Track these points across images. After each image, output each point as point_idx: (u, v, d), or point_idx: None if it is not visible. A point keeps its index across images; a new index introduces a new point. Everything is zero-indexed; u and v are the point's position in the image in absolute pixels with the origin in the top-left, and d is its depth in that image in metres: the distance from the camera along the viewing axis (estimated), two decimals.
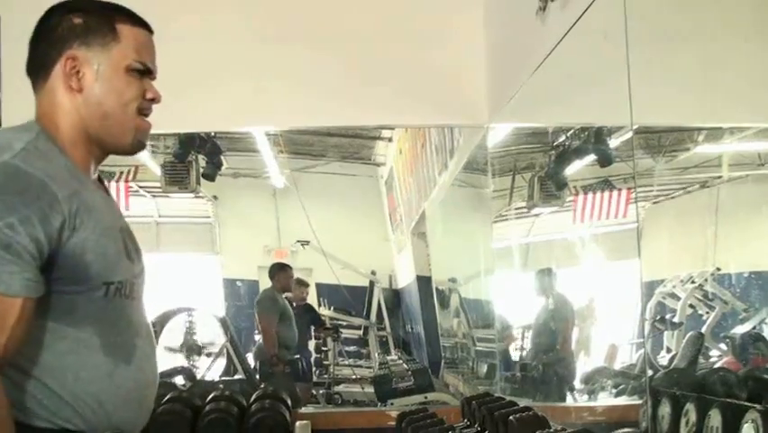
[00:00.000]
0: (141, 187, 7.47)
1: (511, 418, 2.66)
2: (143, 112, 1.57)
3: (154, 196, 7.53)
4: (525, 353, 6.84)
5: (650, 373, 5.99)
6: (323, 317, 7.66)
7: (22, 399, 1.39)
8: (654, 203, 7.14)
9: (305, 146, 8.10)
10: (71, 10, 1.53)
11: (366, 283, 8.23)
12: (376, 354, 7.71)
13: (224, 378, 6.81)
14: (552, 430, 2.51)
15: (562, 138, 5.83)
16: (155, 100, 1.58)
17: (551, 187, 6.25)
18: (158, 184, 6.62)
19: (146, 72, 1.57)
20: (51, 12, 1.54)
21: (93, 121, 1.51)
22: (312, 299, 7.82)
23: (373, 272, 8.21)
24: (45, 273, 1.37)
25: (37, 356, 1.40)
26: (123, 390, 1.48)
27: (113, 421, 1.47)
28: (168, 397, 3.72)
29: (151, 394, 1.57)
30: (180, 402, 3.66)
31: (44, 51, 1.52)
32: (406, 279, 8.20)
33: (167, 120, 3.66)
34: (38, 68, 1.53)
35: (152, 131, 4.71)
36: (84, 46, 1.50)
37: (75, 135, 1.51)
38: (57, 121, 1.50)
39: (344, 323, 7.95)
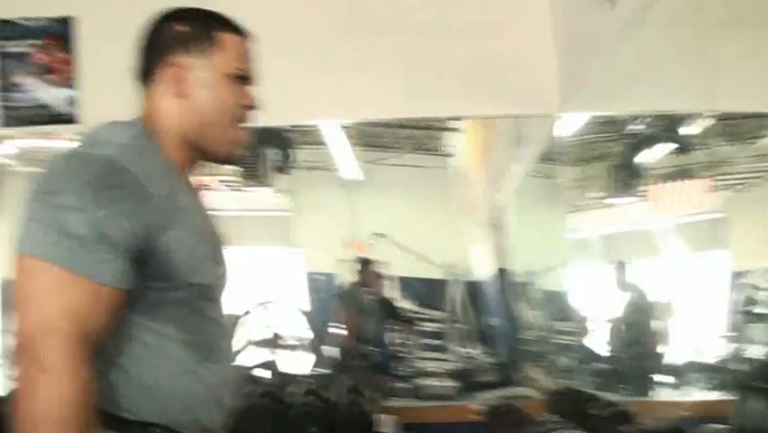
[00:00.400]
0: (220, 181, 7.60)
1: (598, 412, 2.63)
2: (242, 119, 1.60)
3: (232, 189, 7.65)
4: (607, 346, 6.75)
5: (739, 366, 5.85)
6: (399, 310, 7.64)
7: (109, 390, 1.43)
8: (736, 191, 6.94)
9: (377, 138, 8.16)
10: (173, 19, 1.59)
11: (443, 276, 8.19)
12: (455, 348, 7.68)
13: (308, 371, 6.90)
14: (639, 425, 2.46)
15: (637, 126, 5.74)
16: (254, 107, 1.61)
17: (626, 176, 6.16)
18: (236, 178, 6.73)
19: (245, 79, 1.60)
20: (155, 21, 1.60)
21: (193, 126, 1.56)
22: (389, 291, 7.81)
23: (450, 265, 8.17)
24: (134, 268, 1.40)
25: (124, 348, 1.44)
26: (206, 387, 1.51)
27: (196, 417, 1.50)
28: (255, 391, 3.78)
29: (231, 393, 1.60)
30: (267, 396, 3.73)
31: (148, 59, 1.58)
32: (483, 271, 8.15)
33: None
34: (143, 74, 1.59)
35: None
36: (186, 54, 1.55)
37: (174, 138, 1.55)
38: (158, 122, 1.55)
39: (422, 316, 7.93)
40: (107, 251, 1.34)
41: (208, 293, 1.54)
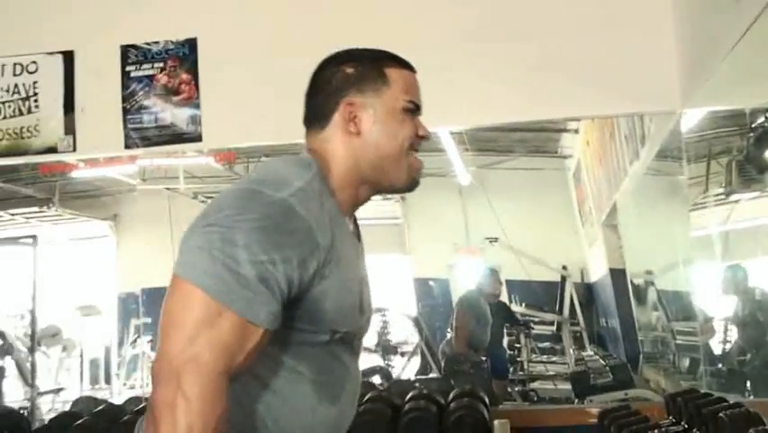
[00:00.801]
0: None
1: (722, 414, 2.55)
2: (414, 148, 1.66)
3: None
4: (729, 346, 6.56)
5: None
6: (515, 314, 7.60)
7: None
8: None
9: (489, 142, 8.14)
10: (343, 62, 1.65)
11: (557, 278, 8.14)
12: (570, 350, 7.62)
13: (419, 376, 6.92)
14: (767, 428, 2.38)
15: (761, 119, 5.54)
16: (425, 137, 1.68)
17: (750, 171, 5.96)
18: None
19: (416, 110, 1.66)
20: (325, 65, 1.67)
21: (370, 162, 1.61)
22: (502, 295, 7.79)
23: (564, 267, 8.15)
24: (285, 310, 1.45)
25: (256, 377, 1.50)
26: (321, 427, 1.56)
27: None
28: (368, 396, 3.82)
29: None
30: (381, 401, 3.76)
31: (322, 102, 1.64)
32: (598, 272, 8.06)
33: None
34: (315, 118, 1.65)
35: None
36: (359, 93, 1.61)
37: (346, 178, 1.61)
38: (330, 163, 1.60)
39: (536, 319, 7.88)
40: (266, 294, 1.37)
41: (347, 339, 1.58)
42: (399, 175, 1.64)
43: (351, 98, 1.61)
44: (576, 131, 7.87)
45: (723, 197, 6.55)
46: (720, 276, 6.69)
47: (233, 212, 1.41)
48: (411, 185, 1.68)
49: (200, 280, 1.35)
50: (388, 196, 7.54)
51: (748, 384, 6.41)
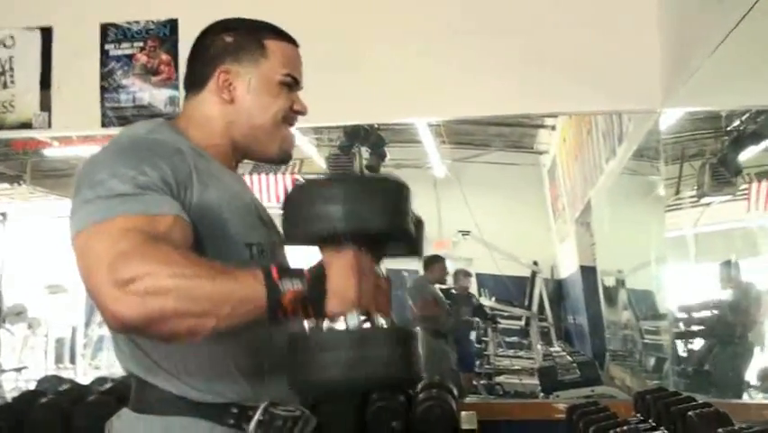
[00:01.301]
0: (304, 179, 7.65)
1: (690, 414, 2.57)
2: (289, 122, 1.67)
3: None
4: (697, 346, 6.62)
5: None
6: (482, 307, 7.62)
7: (179, 374, 1.45)
8: None
9: (466, 136, 8.13)
10: (223, 30, 1.67)
11: (527, 274, 8.15)
12: (538, 346, 7.64)
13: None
14: (736, 428, 2.39)
15: (736, 123, 5.59)
16: (301, 112, 1.68)
17: (723, 174, 6.02)
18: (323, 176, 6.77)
19: (294, 85, 1.66)
20: (205, 33, 1.69)
21: (242, 129, 1.62)
22: (473, 289, 7.79)
23: (535, 262, 8.18)
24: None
25: None
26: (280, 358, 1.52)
27: (265, 390, 1.50)
28: None
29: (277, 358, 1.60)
30: None
31: (199, 69, 1.65)
32: (568, 269, 8.10)
33: (331, 113, 3.84)
34: (192, 83, 1.66)
35: (317, 123, 4.86)
36: (235, 62, 1.62)
37: (212, 136, 1.61)
38: (194, 121, 1.62)
39: (505, 313, 7.89)
40: (155, 195, 1.34)
41: (269, 255, 1.54)
42: (271, 146, 1.65)
43: (227, 66, 1.61)
44: (553, 127, 7.89)
45: (695, 199, 6.61)
46: (715, 272, 6.75)
47: (89, 165, 1.41)
48: (281, 157, 1.68)
49: (89, 220, 1.31)
50: None
51: (715, 384, 6.48)
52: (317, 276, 1.27)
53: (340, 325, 1.28)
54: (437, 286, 7.03)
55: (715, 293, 6.73)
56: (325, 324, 1.28)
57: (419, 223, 1.58)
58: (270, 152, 1.66)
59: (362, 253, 1.30)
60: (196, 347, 1.39)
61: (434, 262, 7.12)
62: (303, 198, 1.31)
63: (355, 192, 1.29)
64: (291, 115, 1.66)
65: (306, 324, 1.29)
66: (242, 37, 1.63)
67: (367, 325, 1.30)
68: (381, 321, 1.36)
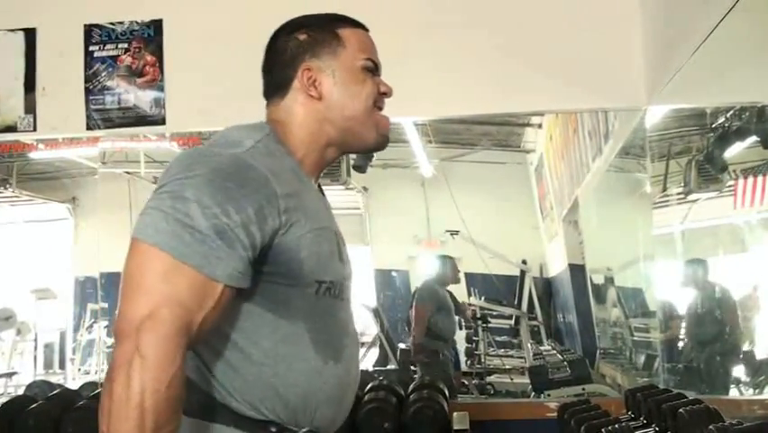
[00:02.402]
0: None
1: (681, 410, 2.56)
2: (378, 105, 1.68)
3: None
4: (685, 343, 6.63)
5: None
6: (473, 307, 7.62)
7: (228, 384, 1.47)
8: None
9: (453, 135, 8.13)
10: (294, 29, 1.67)
11: (516, 272, 8.15)
12: (528, 345, 7.65)
13: (378, 367, 6.90)
14: (726, 424, 2.39)
15: (722, 119, 5.61)
16: (387, 94, 1.69)
17: (709, 171, 6.04)
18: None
19: (375, 69, 1.69)
20: (276, 37, 1.68)
21: (336, 124, 1.62)
22: (462, 288, 7.79)
23: (524, 261, 8.18)
24: (258, 266, 1.44)
25: (254, 345, 1.47)
26: (329, 387, 1.55)
27: (314, 418, 1.52)
28: None
29: (352, 394, 1.63)
30: None
31: (279, 72, 1.65)
32: (557, 267, 8.10)
33: None
34: (274, 89, 1.66)
35: None
36: (315, 58, 1.63)
37: (309, 140, 1.61)
38: (290, 127, 1.61)
39: (495, 313, 7.89)
40: (223, 247, 1.36)
41: (336, 291, 1.56)
42: (368, 134, 1.66)
43: (308, 64, 1.62)
44: (539, 126, 7.90)
45: (682, 196, 6.64)
46: (681, 271, 6.76)
47: (182, 172, 1.40)
48: (381, 143, 1.70)
49: (154, 239, 1.34)
50: (350, 186, 7.53)
51: (704, 380, 6.49)
52: None
53: None
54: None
55: (700, 289, 6.74)
56: None
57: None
58: (369, 140, 1.67)
59: None
60: (248, 363, 1.46)
61: (446, 263, 7.10)
62: None
63: None
64: (379, 98, 1.67)
65: None
66: (316, 32, 1.64)
67: None
68: None
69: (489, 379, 7.32)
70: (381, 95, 1.67)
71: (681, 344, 6.94)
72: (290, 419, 1.48)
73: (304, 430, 1.49)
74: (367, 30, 1.71)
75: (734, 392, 6.30)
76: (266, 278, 1.45)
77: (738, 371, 6.57)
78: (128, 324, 1.29)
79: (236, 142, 1.49)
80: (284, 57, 1.63)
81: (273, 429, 1.46)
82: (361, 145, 1.69)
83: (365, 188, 8.47)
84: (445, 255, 7.21)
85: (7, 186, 7.78)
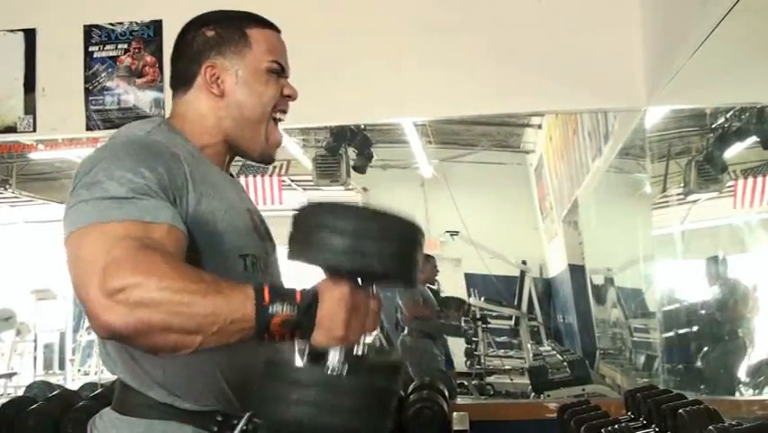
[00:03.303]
0: (293, 180, 7.64)
1: (681, 411, 2.56)
2: (282, 108, 1.65)
3: (305, 189, 7.68)
4: (688, 342, 6.63)
5: None
6: (472, 307, 7.63)
7: (167, 383, 1.45)
8: None
9: (452, 135, 8.14)
10: (203, 24, 1.64)
11: (516, 273, 8.16)
12: (528, 345, 7.65)
13: None
14: (726, 425, 2.40)
15: (721, 120, 5.61)
16: (291, 97, 1.67)
17: (709, 171, 6.04)
18: (309, 177, 6.78)
19: (281, 71, 1.65)
20: (186, 30, 1.66)
21: (233, 121, 1.60)
22: (462, 289, 7.79)
23: (524, 262, 8.19)
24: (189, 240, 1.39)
25: None
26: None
27: (235, 400, 1.50)
28: None
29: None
30: None
31: (185, 67, 1.63)
32: (557, 268, 8.10)
33: (317, 113, 3.82)
34: (179, 82, 1.64)
35: (303, 125, 4.83)
36: (220, 55, 1.60)
37: (207, 134, 1.60)
38: (187, 120, 1.60)
39: (494, 313, 7.90)
40: (154, 200, 1.32)
41: (262, 266, 1.54)
42: (256, 143, 1.63)
43: (212, 61, 1.60)
44: (539, 126, 7.90)
45: (682, 196, 6.64)
46: (702, 269, 6.77)
47: (86, 165, 1.38)
48: (264, 157, 1.66)
49: (82, 221, 1.29)
50: (349, 186, 7.53)
51: (705, 381, 6.50)
52: (309, 303, 1.23)
53: (322, 360, 1.23)
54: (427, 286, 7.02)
55: (703, 290, 6.74)
56: (304, 358, 1.25)
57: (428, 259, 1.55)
58: (255, 147, 1.64)
59: (360, 288, 1.25)
60: (186, 358, 1.39)
61: (424, 262, 7.11)
62: (312, 222, 1.24)
63: (367, 229, 1.22)
64: (282, 100, 1.64)
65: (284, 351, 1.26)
66: (224, 29, 1.62)
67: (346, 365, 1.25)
68: (364, 343, 1.31)
69: (488, 379, 7.32)
70: (285, 97, 1.65)
71: (683, 344, 6.95)
72: (234, 405, 1.47)
73: (249, 414, 1.44)
74: (278, 31, 1.68)
75: (736, 393, 6.31)
76: (192, 257, 1.37)
77: (740, 371, 6.58)
78: (98, 296, 1.18)
79: (128, 132, 1.51)
80: (189, 51, 1.62)
81: (218, 418, 1.44)
82: (247, 150, 1.64)
83: (365, 189, 8.47)
84: (426, 254, 7.23)
85: (7, 186, 7.78)
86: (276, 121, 1.65)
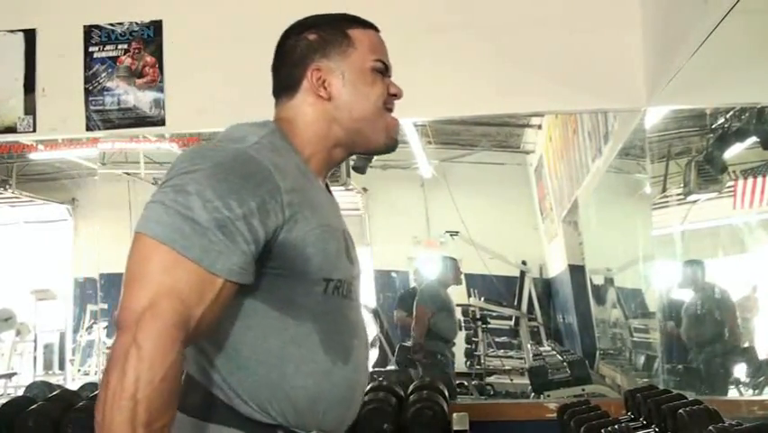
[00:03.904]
0: None
1: (681, 411, 2.56)
2: (387, 107, 1.66)
3: None
4: (686, 343, 6.64)
5: None
6: (472, 307, 7.63)
7: (237, 385, 1.45)
8: None
9: (452, 136, 8.15)
10: (304, 29, 1.65)
11: (516, 273, 8.16)
12: (528, 345, 7.65)
13: (378, 368, 6.90)
14: (726, 425, 2.39)
15: (721, 120, 5.61)
16: (397, 96, 1.68)
17: (709, 172, 6.04)
18: None
19: (385, 70, 1.67)
20: (286, 36, 1.67)
21: (344, 125, 1.61)
22: (462, 289, 7.80)
23: (524, 262, 8.19)
24: (264, 262, 1.42)
25: (261, 344, 1.45)
26: (337, 389, 1.52)
27: (322, 421, 1.51)
28: None
29: (361, 396, 1.61)
30: None
31: (289, 72, 1.64)
32: (557, 268, 8.10)
33: None
34: (283, 88, 1.65)
35: None
36: (324, 58, 1.61)
37: (316, 141, 1.60)
38: (297, 126, 1.60)
39: (494, 313, 7.90)
40: (225, 241, 1.34)
41: (344, 290, 1.54)
42: (377, 136, 1.64)
43: (317, 64, 1.61)
44: (539, 126, 7.91)
45: (681, 197, 6.65)
46: (680, 272, 6.77)
47: (185, 167, 1.39)
48: (390, 145, 1.68)
49: (155, 231, 1.33)
50: (349, 187, 7.53)
51: (704, 381, 6.49)
52: None
53: None
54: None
55: (699, 290, 6.74)
56: None
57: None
58: (377, 142, 1.66)
59: None
60: (255, 363, 1.44)
61: (448, 264, 7.10)
62: None
63: None
64: (389, 99, 1.65)
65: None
66: (326, 32, 1.63)
67: None
68: None
69: (488, 379, 7.32)
70: (391, 96, 1.66)
71: (682, 344, 6.95)
72: (298, 422, 1.46)
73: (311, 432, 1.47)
74: (378, 30, 1.70)
75: (733, 393, 6.30)
76: (271, 274, 1.43)
77: (738, 371, 6.57)
78: (129, 315, 1.28)
79: (240, 138, 1.48)
80: (293, 57, 1.62)
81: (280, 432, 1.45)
82: (370, 147, 1.67)
83: (365, 189, 8.48)
84: (448, 256, 7.22)
85: (7, 187, 7.77)
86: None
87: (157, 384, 1.25)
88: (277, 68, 1.67)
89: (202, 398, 1.45)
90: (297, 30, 1.65)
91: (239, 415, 1.44)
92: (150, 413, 1.24)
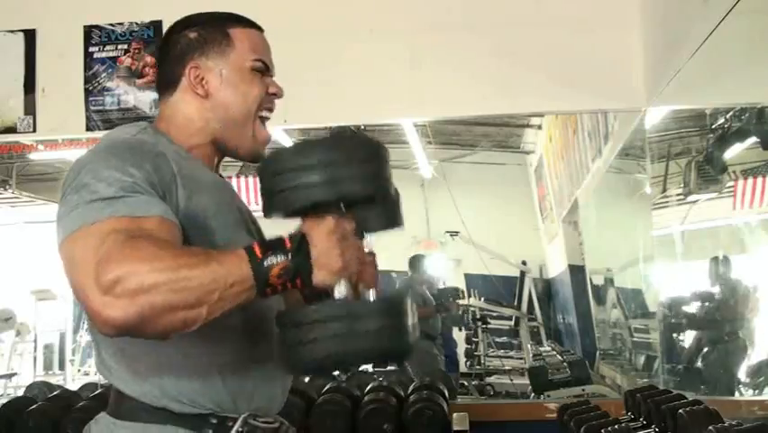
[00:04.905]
0: None
1: (681, 411, 2.56)
2: (267, 107, 1.65)
3: None
4: (688, 343, 6.63)
5: None
6: (471, 308, 7.64)
7: (162, 382, 1.44)
8: None
9: (453, 136, 8.14)
10: (185, 27, 1.64)
11: (516, 273, 8.17)
12: (528, 346, 7.65)
13: (378, 369, 6.90)
14: (726, 425, 2.39)
15: (721, 120, 5.61)
16: (277, 95, 1.66)
17: (709, 172, 6.04)
18: None
19: (266, 70, 1.65)
20: (169, 33, 1.66)
21: (219, 122, 1.60)
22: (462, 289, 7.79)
23: (524, 262, 8.19)
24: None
25: (183, 335, 1.35)
26: (263, 368, 1.51)
27: (252, 401, 1.50)
28: (327, 388, 3.79)
29: (284, 375, 1.59)
30: (340, 393, 3.73)
31: (169, 69, 1.63)
32: (557, 268, 8.10)
33: (317, 114, 3.80)
34: (164, 85, 1.64)
35: (304, 125, 4.82)
36: (203, 56, 1.60)
37: (196, 134, 1.60)
38: (175, 122, 1.60)
39: (494, 314, 7.90)
40: (144, 196, 1.32)
41: None
42: (244, 141, 1.63)
43: (196, 62, 1.60)
44: (539, 127, 7.91)
45: (681, 197, 6.64)
46: (705, 269, 6.76)
47: (74, 172, 1.38)
48: (253, 155, 1.65)
49: (74, 225, 1.29)
50: None
51: (705, 381, 6.50)
52: (299, 244, 1.24)
53: (329, 296, 1.28)
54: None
55: (703, 290, 6.74)
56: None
57: (396, 192, 1.57)
58: (243, 147, 1.63)
59: (344, 218, 1.28)
60: (180, 357, 1.41)
61: (419, 262, 7.12)
62: (278, 168, 1.27)
63: (333, 158, 1.25)
64: (267, 99, 1.64)
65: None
66: (206, 30, 1.62)
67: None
68: (369, 293, 1.39)
69: (488, 380, 7.33)
70: (270, 95, 1.64)
71: (683, 344, 6.94)
72: (229, 406, 1.45)
73: (243, 416, 1.45)
74: (261, 30, 1.68)
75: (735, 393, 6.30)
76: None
77: (740, 371, 6.57)
78: (96, 295, 1.19)
79: (118, 134, 1.51)
80: (174, 53, 1.61)
81: (213, 421, 1.44)
82: (235, 149, 1.64)
83: None
84: (419, 254, 7.23)
85: (7, 187, 7.79)
86: (262, 119, 1.65)
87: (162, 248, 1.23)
88: (159, 64, 1.67)
89: (134, 405, 1.44)
90: (179, 27, 1.65)
91: (170, 412, 1.43)
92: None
